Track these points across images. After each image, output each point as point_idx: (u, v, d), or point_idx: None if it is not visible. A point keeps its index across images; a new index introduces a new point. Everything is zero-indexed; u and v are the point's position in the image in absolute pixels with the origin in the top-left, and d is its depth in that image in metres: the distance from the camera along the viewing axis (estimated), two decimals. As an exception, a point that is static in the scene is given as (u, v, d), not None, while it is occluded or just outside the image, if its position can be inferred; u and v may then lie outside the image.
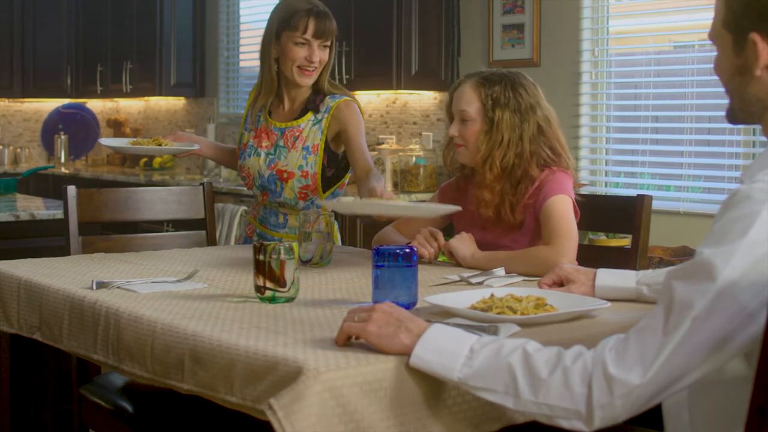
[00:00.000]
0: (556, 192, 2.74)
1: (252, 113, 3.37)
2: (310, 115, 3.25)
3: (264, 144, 3.29)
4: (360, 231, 5.19)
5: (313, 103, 3.26)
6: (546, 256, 2.62)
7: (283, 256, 2.16)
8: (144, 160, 7.75)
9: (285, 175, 3.22)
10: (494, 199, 2.80)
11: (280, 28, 3.19)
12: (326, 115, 3.22)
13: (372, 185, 2.83)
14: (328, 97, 3.25)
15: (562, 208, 2.72)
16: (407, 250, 2.08)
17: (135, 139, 3.51)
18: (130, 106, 8.44)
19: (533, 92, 2.84)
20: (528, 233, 2.81)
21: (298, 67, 3.18)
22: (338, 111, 3.21)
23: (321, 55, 3.20)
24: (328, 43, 3.22)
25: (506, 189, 2.80)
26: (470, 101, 2.83)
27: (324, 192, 3.26)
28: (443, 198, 3.03)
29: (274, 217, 3.31)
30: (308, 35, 3.16)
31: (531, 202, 2.78)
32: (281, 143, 3.26)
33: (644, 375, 1.47)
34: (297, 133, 3.24)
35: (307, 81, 3.22)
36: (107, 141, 3.56)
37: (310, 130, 3.23)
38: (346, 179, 3.34)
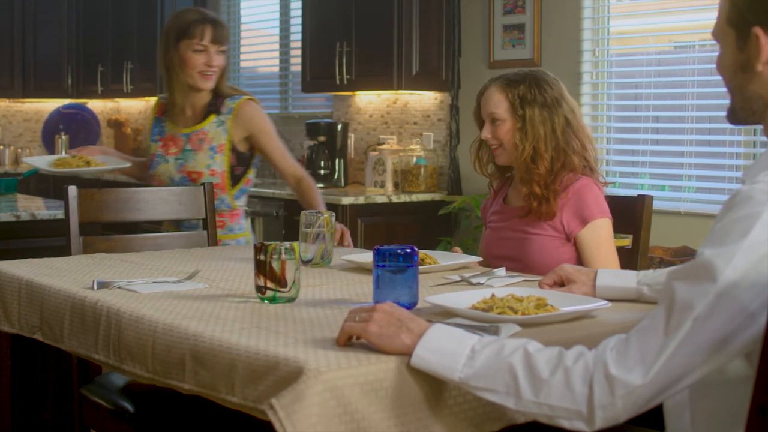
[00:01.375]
0: (600, 214, 2.84)
1: (159, 124, 3.57)
2: (213, 117, 3.48)
3: (172, 151, 3.51)
4: (361, 231, 5.20)
5: (214, 106, 3.49)
6: None
7: (284, 257, 2.16)
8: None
9: (195, 176, 3.45)
10: (542, 192, 2.84)
11: (177, 38, 3.43)
12: (229, 116, 3.45)
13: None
14: (227, 99, 3.48)
15: (609, 235, 2.85)
16: (408, 250, 2.08)
17: (60, 157, 3.55)
18: (130, 106, 8.44)
19: (557, 86, 2.91)
20: (558, 227, 2.85)
21: (199, 72, 3.41)
22: (241, 111, 3.45)
23: (218, 59, 3.44)
24: (224, 49, 3.47)
25: (549, 181, 2.84)
26: (498, 103, 2.89)
27: (232, 188, 3.48)
28: (487, 214, 3.12)
29: None
30: (206, 41, 3.41)
31: (565, 201, 2.84)
32: (188, 147, 3.48)
33: (645, 375, 1.47)
34: (202, 136, 3.47)
35: (209, 84, 3.45)
36: (31, 159, 3.64)
37: (215, 132, 3.47)
38: (250, 174, 3.56)
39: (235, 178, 3.49)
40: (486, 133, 2.92)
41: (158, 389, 2.37)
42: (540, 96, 2.87)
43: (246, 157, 3.51)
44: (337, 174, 5.94)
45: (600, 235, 2.83)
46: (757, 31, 1.58)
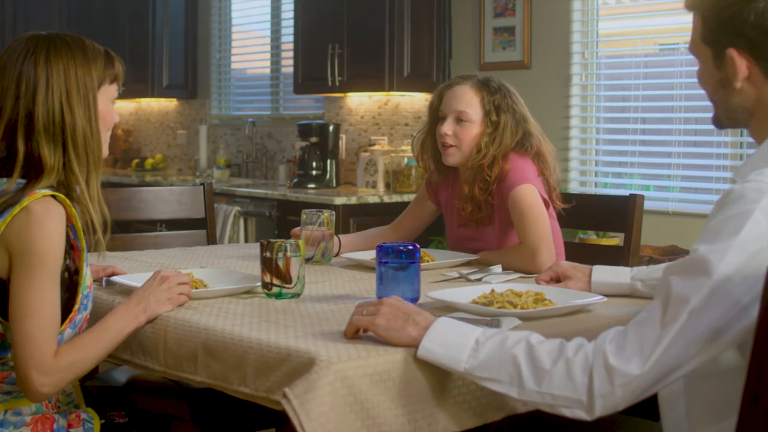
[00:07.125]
0: (520, 182, 2.80)
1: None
2: None
3: None
4: (353, 231, 5.24)
5: None
6: (523, 254, 2.72)
7: (289, 254, 2.22)
8: (136, 161, 7.80)
9: None
10: (481, 197, 2.88)
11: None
12: None
13: None
14: None
15: (529, 200, 2.76)
16: (410, 248, 2.14)
17: None
18: (122, 107, 8.45)
19: (523, 103, 2.95)
20: (497, 225, 2.90)
21: None
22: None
23: None
24: None
25: (492, 189, 2.88)
26: (471, 103, 2.89)
27: None
28: (440, 198, 3.11)
29: None
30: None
31: (496, 192, 2.87)
32: None
33: (643, 366, 1.52)
34: None
35: None
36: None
37: None
38: None
39: None
40: (447, 129, 2.89)
41: (160, 385, 2.43)
42: (512, 108, 2.89)
43: None
44: (328, 175, 5.99)
45: (522, 204, 2.77)
46: (732, 52, 1.63)
